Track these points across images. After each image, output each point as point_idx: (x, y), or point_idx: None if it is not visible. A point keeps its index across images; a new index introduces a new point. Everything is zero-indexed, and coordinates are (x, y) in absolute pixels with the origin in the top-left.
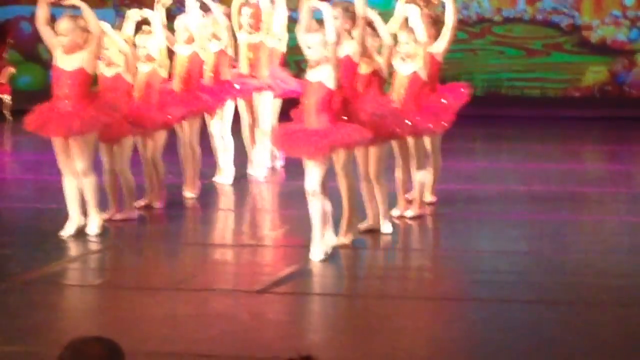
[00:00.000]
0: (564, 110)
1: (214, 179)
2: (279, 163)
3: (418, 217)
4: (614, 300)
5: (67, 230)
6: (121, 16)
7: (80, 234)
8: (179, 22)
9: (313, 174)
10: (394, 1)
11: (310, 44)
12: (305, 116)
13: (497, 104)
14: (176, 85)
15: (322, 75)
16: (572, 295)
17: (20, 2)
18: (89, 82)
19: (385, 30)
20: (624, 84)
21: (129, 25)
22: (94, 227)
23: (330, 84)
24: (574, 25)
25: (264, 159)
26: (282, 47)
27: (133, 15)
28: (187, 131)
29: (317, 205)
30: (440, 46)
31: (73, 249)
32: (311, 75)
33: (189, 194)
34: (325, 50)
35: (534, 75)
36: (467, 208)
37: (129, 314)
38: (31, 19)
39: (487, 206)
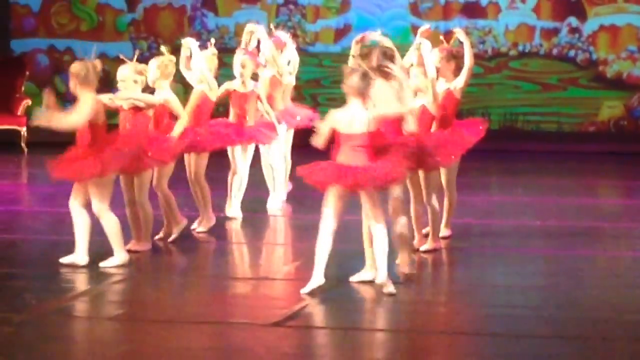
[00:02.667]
0: (579, 145)
1: (228, 213)
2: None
3: (432, 251)
4: (630, 335)
5: (66, 258)
6: (138, 49)
7: (95, 265)
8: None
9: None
10: (411, 35)
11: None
12: (341, 153)
13: (512, 139)
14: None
15: None
16: (588, 331)
17: (37, 35)
18: (97, 128)
19: (399, 65)
20: (639, 119)
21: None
22: (116, 261)
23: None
24: (589, 60)
25: (279, 193)
26: (292, 81)
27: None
28: (192, 166)
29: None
30: (459, 83)
31: (88, 281)
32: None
33: (200, 228)
34: None
35: (549, 109)
36: (482, 242)
37: (145, 346)
38: (47, 51)
39: (502, 240)
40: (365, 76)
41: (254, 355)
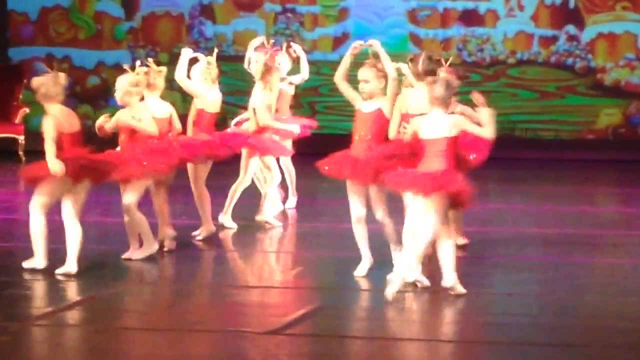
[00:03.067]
0: (577, 153)
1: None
2: (289, 204)
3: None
4: (628, 343)
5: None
6: (135, 58)
7: (93, 273)
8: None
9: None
10: (410, 43)
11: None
12: (424, 160)
13: (510, 146)
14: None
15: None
16: (586, 338)
17: (35, 43)
18: (62, 137)
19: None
20: (638, 127)
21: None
22: (32, 264)
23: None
24: (587, 67)
25: (275, 201)
26: (290, 90)
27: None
28: (191, 174)
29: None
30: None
31: (85, 290)
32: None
33: (200, 235)
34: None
35: (547, 117)
36: (481, 250)
37: (142, 355)
38: (46, 59)
39: (500, 248)
40: (449, 86)
41: None
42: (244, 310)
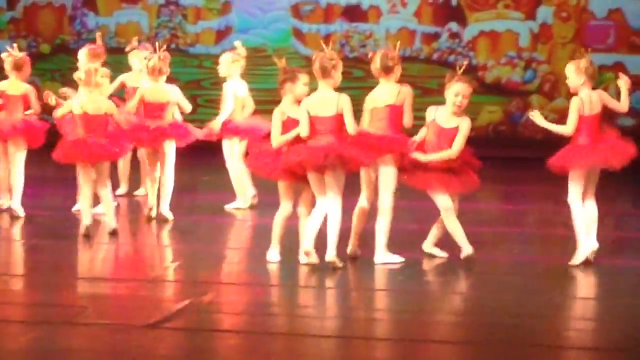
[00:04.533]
0: None
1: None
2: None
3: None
4: (507, 339)
5: None
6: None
7: None
8: None
9: None
10: (292, 38)
11: None
12: (583, 135)
13: None
14: None
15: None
16: (461, 335)
17: None
18: None
19: None
20: (518, 124)
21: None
22: None
23: None
24: (469, 65)
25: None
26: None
27: None
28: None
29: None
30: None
31: None
32: None
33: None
34: None
35: None
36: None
37: (15, 349)
38: None
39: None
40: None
41: (128, 357)
42: (122, 303)
